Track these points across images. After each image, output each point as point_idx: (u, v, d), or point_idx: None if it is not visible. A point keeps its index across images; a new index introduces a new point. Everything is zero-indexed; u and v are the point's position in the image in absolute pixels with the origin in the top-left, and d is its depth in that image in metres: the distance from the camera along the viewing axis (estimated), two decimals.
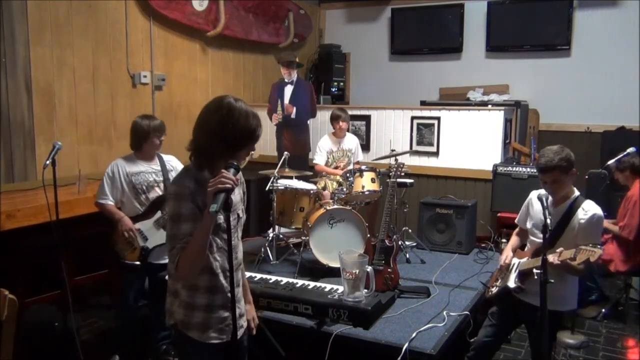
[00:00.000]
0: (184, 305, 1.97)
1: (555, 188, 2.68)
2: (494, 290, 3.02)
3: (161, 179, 3.52)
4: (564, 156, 2.64)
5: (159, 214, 3.49)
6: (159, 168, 3.54)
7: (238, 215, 2.07)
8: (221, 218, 1.83)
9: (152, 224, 3.47)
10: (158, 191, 3.51)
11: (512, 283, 2.82)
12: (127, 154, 3.54)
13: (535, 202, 2.86)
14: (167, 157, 3.62)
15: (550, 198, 2.79)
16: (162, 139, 3.52)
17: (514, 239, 3.08)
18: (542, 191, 2.84)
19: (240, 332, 2.09)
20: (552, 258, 2.53)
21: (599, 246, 2.51)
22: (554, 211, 2.74)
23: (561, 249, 2.58)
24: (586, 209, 2.69)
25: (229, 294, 1.93)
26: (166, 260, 3.51)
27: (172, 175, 3.57)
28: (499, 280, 3.01)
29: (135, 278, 3.53)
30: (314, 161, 5.29)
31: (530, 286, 2.73)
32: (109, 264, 4.34)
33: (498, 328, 3.00)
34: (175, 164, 3.64)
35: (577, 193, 2.76)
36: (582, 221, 2.67)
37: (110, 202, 3.42)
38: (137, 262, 3.43)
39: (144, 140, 3.44)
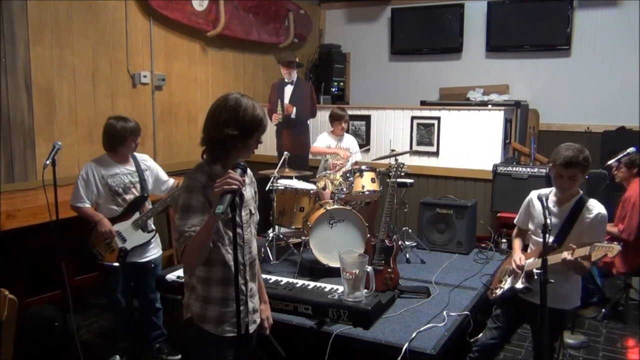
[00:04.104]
0: (200, 299, 2.04)
1: (570, 185, 2.68)
2: (499, 292, 3.00)
3: (137, 179, 3.49)
4: (586, 156, 2.66)
5: (137, 214, 3.47)
6: (134, 169, 3.50)
7: (250, 211, 2.13)
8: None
9: (130, 224, 3.45)
10: (135, 192, 3.48)
11: (519, 284, 2.81)
12: (101, 156, 3.49)
13: (537, 202, 2.84)
14: (141, 157, 3.59)
15: (550, 198, 2.79)
16: (137, 141, 3.48)
17: (518, 242, 3.04)
18: (542, 191, 2.83)
19: (252, 328, 2.15)
20: (565, 255, 2.52)
21: (615, 242, 2.49)
22: (559, 210, 2.75)
23: (574, 246, 2.56)
24: (591, 207, 2.70)
25: (243, 287, 2.05)
26: (146, 259, 3.55)
27: (147, 175, 3.55)
28: (504, 282, 2.98)
29: (118, 279, 3.51)
30: (312, 144, 5.32)
31: (537, 286, 2.71)
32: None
33: (503, 329, 2.99)
34: (149, 164, 3.61)
35: (581, 192, 2.76)
36: (588, 220, 2.68)
37: (87, 204, 3.38)
38: (116, 264, 3.41)
39: (119, 143, 3.39)
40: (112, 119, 3.43)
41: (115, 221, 3.41)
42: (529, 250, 2.95)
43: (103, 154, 3.48)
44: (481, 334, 3.15)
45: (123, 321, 3.62)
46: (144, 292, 3.67)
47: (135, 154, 3.55)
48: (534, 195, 2.90)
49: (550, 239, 2.70)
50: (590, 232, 2.67)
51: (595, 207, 2.70)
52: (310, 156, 5.64)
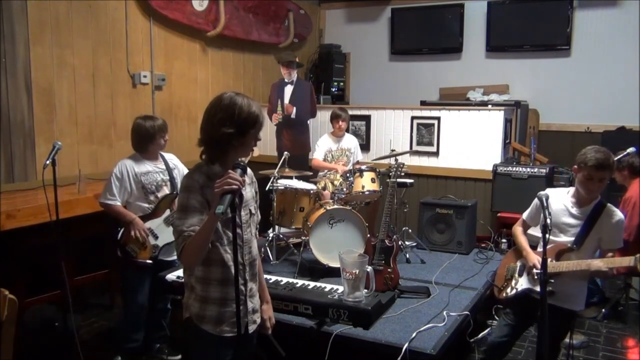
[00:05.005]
0: (199, 299, 2.05)
1: (599, 187, 2.66)
2: (511, 291, 2.95)
3: (167, 177, 3.54)
4: (614, 159, 2.66)
5: (167, 211, 3.51)
6: (164, 167, 3.56)
7: (250, 211, 2.13)
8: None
9: (161, 221, 3.49)
10: (166, 190, 3.53)
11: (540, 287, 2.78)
12: (132, 154, 3.52)
13: (553, 201, 2.77)
14: (168, 156, 3.64)
15: (569, 199, 2.77)
16: (166, 138, 3.53)
17: (525, 240, 2.99)
18: (556, 190, 2.83)
19: (252, 328, 2.14)
20: (607, 264, 2.52)
21: None
22: (579, 212, 2.74)
23: (611, 253, 2.58)
24: (612, 212, 2.70)
25: (243, 287, 2.04)
26: (173, 257, 3.57)
27: (175, 173, 3.60)
28: (516, 282, 2.95)
29: (145, 277, 3.52)
30: (312, 157, 5.31)
31: (556, 287, 2.66)
32: (109, 264, 4.34)
33: (513, 328, 2.97)
34: (176, 162, 3.66)
35: (599, 195, 2.75)
36: (610, 224, 2.68)
37: (117, 202, 3.41)
38: (149, 261, 3.45)
39: (149, 142, 3.44)
40: (140, 118, 3.46)
41: (147, 218, 3.45)
42: (539, 249, 2.92)
43: (134, 153, 3.51)
44: (483, 333, 3.14)
45: (139, 321, 3.59)
46: (161, 291, 3.66)
47: (162, 153, 3.60)
48: (549, 193, 2.86)
49: (569, 240, 2.72)
50: (612, 237, 2.68)
51: (616, 211, 2.70)
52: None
